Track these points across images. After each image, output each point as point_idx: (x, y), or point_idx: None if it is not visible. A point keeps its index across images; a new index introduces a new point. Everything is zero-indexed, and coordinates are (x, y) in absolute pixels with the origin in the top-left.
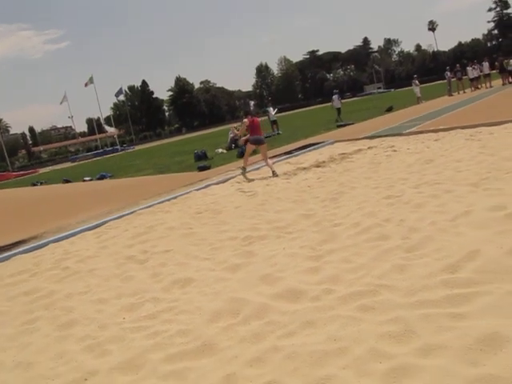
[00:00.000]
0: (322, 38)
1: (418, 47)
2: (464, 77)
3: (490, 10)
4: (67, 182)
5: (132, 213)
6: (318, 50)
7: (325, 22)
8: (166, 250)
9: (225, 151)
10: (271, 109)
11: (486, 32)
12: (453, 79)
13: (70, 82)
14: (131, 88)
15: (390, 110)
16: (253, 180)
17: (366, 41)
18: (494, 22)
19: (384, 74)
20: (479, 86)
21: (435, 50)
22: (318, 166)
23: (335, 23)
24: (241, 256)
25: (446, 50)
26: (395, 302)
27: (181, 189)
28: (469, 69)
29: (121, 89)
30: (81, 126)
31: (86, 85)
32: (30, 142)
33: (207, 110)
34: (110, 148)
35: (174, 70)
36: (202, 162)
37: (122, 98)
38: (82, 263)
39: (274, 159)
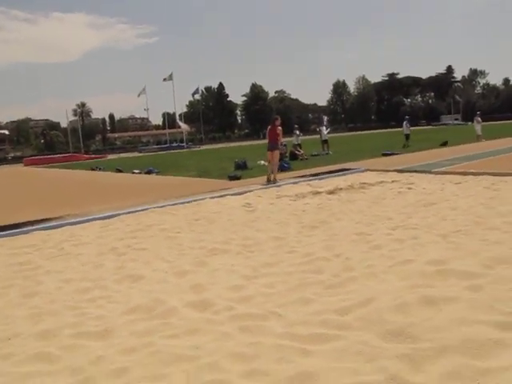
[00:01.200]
0: (405, 62)
1: (506, 81)
2: None
3: None
4: (119, 171)
5: (144, 210)
6: (398, 73)
7: (411, 46)
8: (144, 248)
9: (267, 163)
10: (324, 128)
11: None
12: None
13: (153, 75)
14: (208, 89)
15: (444, 144)
16: (263, 196)
17: (449, 69)
18: None
19: (464, 105)
20: None
21: None
22: (331, 193)
23: (421, 48)
24: (195, 264)
25: None
26: (272, 330)
27: (200, 194)
28: None
29: (198, 88)
30: (156, 119)
31: (164, 80)
32: (109, 128)
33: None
34: (176, 144)
35: (252, 77)
36: (240, 171)
37: (197, 97)
38: (75, 247)
39: (300, 179)
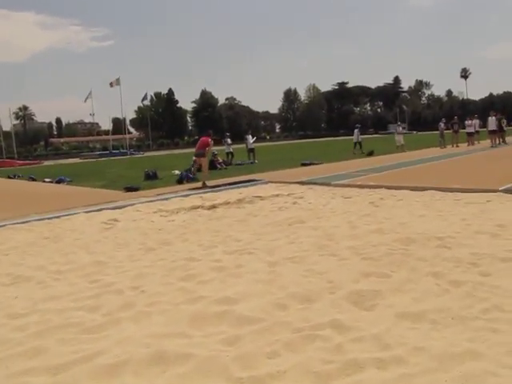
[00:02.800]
0: (354, 71)
1: (449, 93)
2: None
3: None
4: (33, 179)
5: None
6: (347, 82)
7: (360, 56)
8: None
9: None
10: (250, 137)
11: None
12: (447, 131)
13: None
14: (157, 94)
15: (371, 154)
16: (142, 211)
17: (396, 79)
18: None
19: (410, 114)
20: (474, 143)
21: (465, 97)
22: (210, 208)
23: (370, 58)
24: None
25: (477, 99)
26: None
27: (81, 208)
28: (466, 123)
29: (146, 94)
30: (106, 124)
31: (111, 85)
32: (55, 133)
33: (228, 126)
34: (117, 151)
35: (202, 84)
36: (150, 181)
37: (146, 102)
38: None
39: (197, 191)
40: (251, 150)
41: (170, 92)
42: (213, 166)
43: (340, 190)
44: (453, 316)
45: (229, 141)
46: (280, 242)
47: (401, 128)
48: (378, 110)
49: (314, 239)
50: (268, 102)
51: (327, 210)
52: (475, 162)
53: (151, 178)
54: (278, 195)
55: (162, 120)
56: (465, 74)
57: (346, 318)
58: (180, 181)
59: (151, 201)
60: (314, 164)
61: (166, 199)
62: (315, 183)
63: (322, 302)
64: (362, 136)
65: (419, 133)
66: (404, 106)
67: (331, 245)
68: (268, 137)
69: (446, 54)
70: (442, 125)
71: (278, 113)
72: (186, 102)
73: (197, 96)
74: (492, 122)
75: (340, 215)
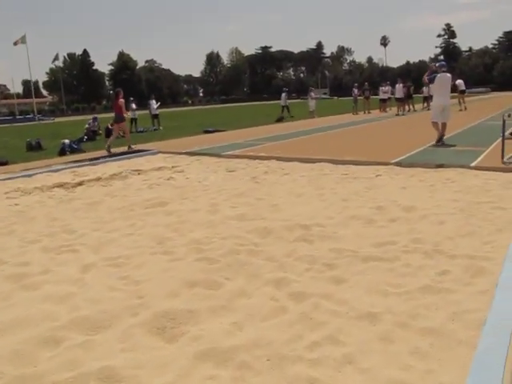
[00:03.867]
0: (278, 36)
1: (370, 59)
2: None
3: (438, 35)
4: None
5: None
6: (271, 47)
7: (284, 21)
8: None
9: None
10: (153, 102)
11: (432, 56)
12: (360, 97)
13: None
14: (71, 56)
15: (280, 120)
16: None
17: (319, 45)
18: (441, 47)
19: (332, 80)
20: (386, 110)
21: (384, 64)
22: (77, 185)
23: (293, 23)
24: None
25: (395, 66)
26: None
27: None
28: (381, 89)
29: (57, 54)
30: (18, 87)
31: (15, 43)
32: None
33: (147, 90)
34: (21, 116)
35: (120, 45)
36: (32, 152)
37: (58, 63)
38: None
39: (76, 164)
40: (155, 116)
41: (85, 53)
42: (109, 133)
43: (228, 162)
44: (270, 356)
45: (133, 106)
46: (117, 233)
47: (313, 94)
48: (301, 75)
49: (160, 229)
50: (191, 65)
51: (200, 188)
52: (378, 130)
53: (34, 148)
54: (160, 168)
55: (76, 83)
56: (384, 42)
57: (127, 361)
58: (62, 152)
59: (11, 178)
60: (218, 131)
61: (30, 176)
62: (205, 154)
63: (112, 330)
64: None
65: (340, 98)
66: (326, 72)
67: (174, 237)
68: (190, 101)
69: (368, 22)
70: (355, 91)
71: (200, 76)
72: (103, 64)
73: (114, 58)
74: (399, 90)
75: (210, 194)
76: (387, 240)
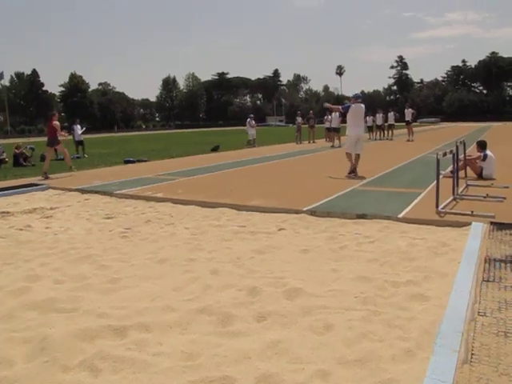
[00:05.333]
0: (235, 63)
1: (326, 88)
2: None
3: (392, 67)
4: None
5: None
6: (228, 73)
7: (243, 47)
8: None
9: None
10: (78, 127)
11: (386, 86)
12: (304, 125)
13: None
14: (19, 75)
15: (215, 149)
16: None
17: (276, 72)
18: (394, 78)
19: (288, 107)
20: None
21: (340, 93)
22: None
23: (251, 51)
24: None
25: (350, 95)
26: None
27: None
28: (325, 118)
29: (2, 73)
30: None
31: None
32: None
33: (100, 113)
34: None
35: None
36: None
37: (3, 83)
38: None
39: None
40: (79, 143)
41: (35, 73)
42: (17, 161)
43: (116, 204)
44: None
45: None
46: None
47: (253, 122)
48: (258, 101)
49: None
50: (149, 89)
51: (45, 245)
52: (309, 164)
53: None
54: (33, 210)
55: (24, 104)
56: (340, 71)
57: None
58: None
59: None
60: (140, 161)
61: None
62: (97, 192)
63: None
64: (239, 128)
65: (294, 125)
66: (282, 99)
67: None
68: (144, 126)
69: (324, 52)
70: (298, 119)
71: (156, 101)
72: (54, 85)
73: (66, 79)
74: (336, 119)
75: (46, 257)
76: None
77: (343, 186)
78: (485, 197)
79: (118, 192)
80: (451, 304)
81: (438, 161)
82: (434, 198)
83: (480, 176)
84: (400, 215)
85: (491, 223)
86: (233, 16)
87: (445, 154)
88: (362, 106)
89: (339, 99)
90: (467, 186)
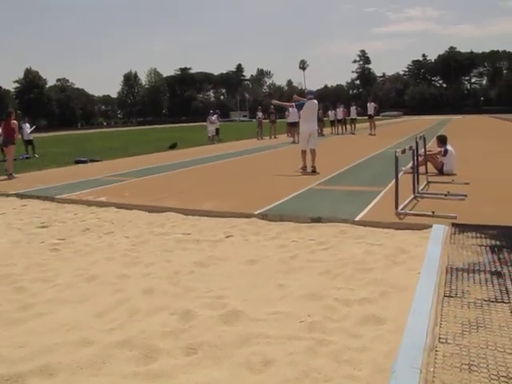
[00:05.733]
0: (198, 58)
1: (290, 83)
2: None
3: (354, 61)
4: None
5: None
6: (190, 68)
7: (205, 43)
8: None
9: None
10: (27, 125)
11: (349, 80)
12: (265, 120)
13: None
14: None
15: (173, 147)
16: None
17: (239, 67)
18: (357, 72)
19: (252, 102)
20: (294, 134)
21: (303, 87)
22: None
23: (214, 45)
24: None
25: (313, 89)
26: None
27: None
28: (286, 113)
29: None
30: None
31: None
32: None
33: (58, 110)
34: None
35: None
36: None
37: None
38: None
39: None
40: (28, 142)
41: None
42: None
43: (56, 210)
44: None
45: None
46: None
47: (214, 117)
48: (221, 97)
49: None
50: (110, 85)
51: None
52: (266, 161)
53: None
54: None
55: None
56: (303, 66)
57: None
58: None
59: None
60: (93, 161)
61: None
62: (37, 196)
63: None
64: (202, 123)
65: (265, 120)
66: (246, 94)
67: None
68: (105, 123)
69: (287, 46)
70: (259, 114)
71: (118, 97)
72: (7, 81)
73: (21, 75)
74: (294, 113)
75: None
76: None
77: (300, 185)
78: (446, 195)
79: (58, 197)
80: (409, 328)
81: (396, 158)
82: (393, 197)
83: (441, 171)
84: (357, 218)
85: (453, 225)
86: (198, 11)
87: (404, 151)
88: (315, 102)
89: (302, 93)
90: (428, 182)
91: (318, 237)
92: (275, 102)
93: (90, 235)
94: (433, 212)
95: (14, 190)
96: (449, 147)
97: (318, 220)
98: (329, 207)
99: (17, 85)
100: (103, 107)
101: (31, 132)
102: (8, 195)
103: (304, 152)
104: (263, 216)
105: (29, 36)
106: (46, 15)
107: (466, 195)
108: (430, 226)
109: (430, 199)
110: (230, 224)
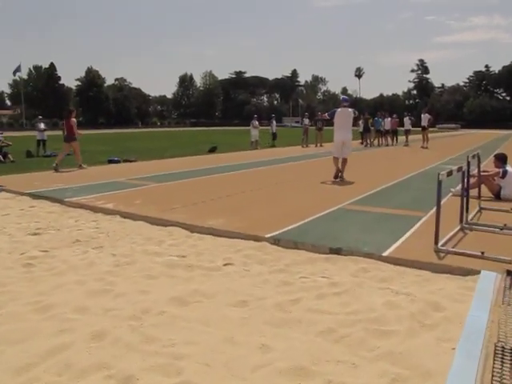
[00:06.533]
0: (254, 62)
1: (344, 90)
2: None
3: (412, 71)
4: None
5: None
6: (245, 72)
7: (260, 47)
8: None
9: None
10: (42, 124)
11: (406, 90)
12: (312, 127)
13: None
14: (37, 68)
15: (213, 150)
16: None
17: (294, 73)
18: (414, 82)
19: (305, 109)
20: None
21: (358, 96)
22: None
23: (269, 49)
24: None
25: (368, 98)
26: None
27: None
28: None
29: (19, 66)
30: None
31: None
32: None
33: (115, 109)
34: None
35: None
36: None
37: (20, 75)
38: None
39: None
40: (42, 142)
41: (52, 67)
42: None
43: (61, 214)
44: None
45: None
46: None
47: (256, 122)
48: (275, 102)
49: None
50: (166, 86)
51: None
52: (307, 171)
53: None
54: None
55: (41, 97)
56: (359, 74)
57: None
58: None
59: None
60: (127, 161)
61: None
62: (48, 197)
63: None
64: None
65: (312, 127)
66: (300, 100)
67: None
68: (159, 123)
69: (343, 53)
70: (305, 121)
71: (173, 98)
72: (70, 79)
73: (82, 74)
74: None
75: None
76: None
77: (330, 202)
78: (502, 228)
79: (68, 200)
80: None
81: (439, 183)
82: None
83: (497, 196)
84: (385, 252)
85: (508, 273)
86: (254, 16)
87: (450, 173)
88: (349, 109)
89: (357, 102)
90: (480, 209)
91: (333, 274)
92: (319, 115)
93: (77, 249)
94: (482, 252)
95: (31, 188)
96: (509, 168)
97: (337, 251)
98: (355, 235)
99: (78, 83)
100: (159, 107)
101: (44, 130)
102: (22, 194)
103: (336, 159)
104: (275, 241)
105: (92, 36)
106: (108, 17)
107: None
108: (478, 272)
109: (481, 232)
110: (235, 247)
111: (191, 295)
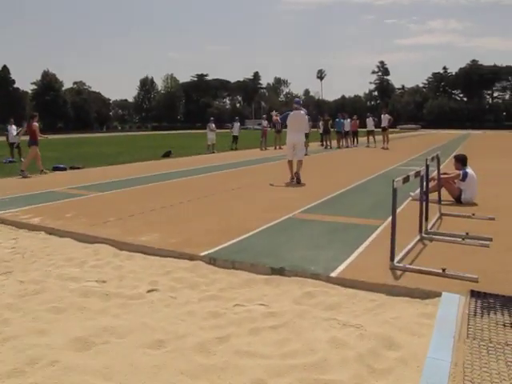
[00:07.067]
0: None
1: (307, 92)
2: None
3: (373, 72)
4: None
5: None
6: (207, 75)
7: (222, 50)
8: None
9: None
10: (13, 127)
11: (367, 91)
12: (269, 129)
13: None
14: None
15: (167, 155)
16: None
17: (256, 75)
18: (375, 84)
19: (268, 111)
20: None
21: (321, 97)
22: None
23: (233, 53)
24: None
25: (330, 100)
26: None
27: None
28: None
29: None
30: None
31: None
32: None
33: (74, 113)
34: None
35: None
36: None
37: None
38: None
39: None
40: (15, 146)
41: (5, 69)
42: None
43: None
44: None
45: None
46: None
47: (213, 125)
48: (237, 104)
49: None
50: (128, 90)
51: None
52: (255, 177)
53: None
54: None
55: None
56: (321, 75)
57: None
58: None
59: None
60: (73, 168)
61: None
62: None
63: None
64: (219, 130)
65: (272, 129)
66: (262, 102)
67: None
68: (120, 127)
69: (305, 56)
70: (264, 123)
71: (134, 102)
72: (26, 83)
73: (38, 77)
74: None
75: None
76: None
77: (280, 211)
78: (464, 238)
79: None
80: None
81: (394, 191)
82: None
83: (458, 200)
84: (334, 272)
85: (472, 294)
86: (217, 19)
87: (406, 179)
88: (301, 112)
89: (319, 103)
90: (441, 215)
91: (273, 301)
92: (273, 118)
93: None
94: (443, 269)
95: None
96: (469, 170)
97: (280, 272)
98: (302, 251)
99: (34, 87)
100: (120, 111)
101: (17, 134)
102: None
103: (290, 162)
104: (210, 260)
105: (47, 39)
106: (65, 18)
107: (491, 239)
108: (439, 295)
109: (442, 243)
110: (164, 268)
111: (99, 334)
